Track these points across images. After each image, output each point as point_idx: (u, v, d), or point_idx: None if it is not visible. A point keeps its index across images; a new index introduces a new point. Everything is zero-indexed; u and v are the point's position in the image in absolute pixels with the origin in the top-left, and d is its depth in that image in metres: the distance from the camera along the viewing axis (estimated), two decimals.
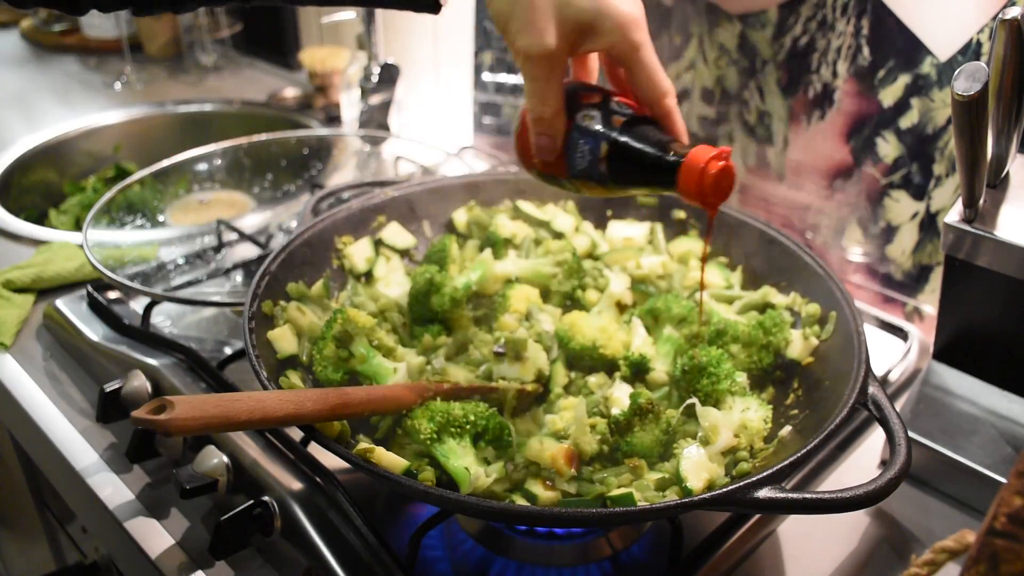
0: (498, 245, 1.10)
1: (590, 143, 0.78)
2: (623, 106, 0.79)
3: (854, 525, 0.93)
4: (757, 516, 0.89)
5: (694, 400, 0.85)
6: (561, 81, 0.77)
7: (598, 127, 0.78)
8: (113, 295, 1.22)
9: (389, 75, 1.77)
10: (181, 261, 1.31)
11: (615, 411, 0.86)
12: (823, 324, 0.94)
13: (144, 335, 1.11)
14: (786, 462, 0.72)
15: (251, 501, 0.86)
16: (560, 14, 0.74)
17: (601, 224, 1.17)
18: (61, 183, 1.87)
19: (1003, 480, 0.88)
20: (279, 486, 0.86)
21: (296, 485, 0.86)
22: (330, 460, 0.86)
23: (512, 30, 0.75)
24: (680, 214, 1.14)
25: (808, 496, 0.70)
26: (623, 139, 0.77)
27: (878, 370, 1.08)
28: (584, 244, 1.12)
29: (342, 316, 0.90)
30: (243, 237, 1.34)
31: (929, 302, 1.22)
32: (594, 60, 0.86)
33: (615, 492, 0.78)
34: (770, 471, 0.71)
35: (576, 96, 0.80)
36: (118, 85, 2.15)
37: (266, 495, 0.86)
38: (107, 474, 0.98)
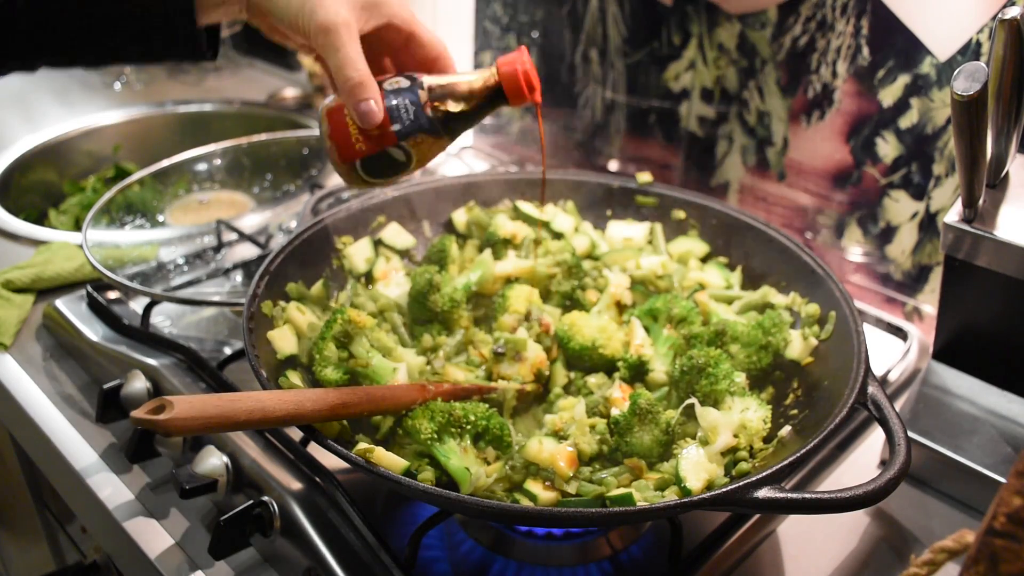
0: (498, 245, 1.10)
1: (409, 96, 0.85)
2: (410, 72, 0.88)
3: (854, 525, 0.93)
4: (757, 516, 0.89)
5: (693, 400, 0.85)
6: (360, 47, 0.84)
7: (407, 82, 0.86)
8: (113, 295, 1.22)
9: None
10: (181, 261, 1.31)
11: (615, 411, 0.86)
12: (823, 324, 0.94)
13: (144, 335, 1.11)
14: (785, 462, 0.72)
15: (251, 501, 0.86)
16: None
17: (601, 224, 1.17)
18: (61, 183, 1.87)
19: (1003, 480, 0.88)
20: (279, 486, 0.86)
21: (296, 485, 0.86)
22: (330, 460, 0.86)
23: (306, 13, 0.83)
24: (680, 214, 1.14)
25: (808, 496, 0.70)
26: (435, 82, 0.86)
27: (878, 370, 1.08)
28: (584, 244, 1.12)
29: (342, 316, 0.90)
30: (243, 237, 1.34)
31: (929, 302, 1.22)
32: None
33: (615, 492, 0.78)
34: (769, 471, 0.71)
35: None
36: (118, 85, 2.14)
37: (266, 495, 0.86)
38: (107, 474, 0.98)
